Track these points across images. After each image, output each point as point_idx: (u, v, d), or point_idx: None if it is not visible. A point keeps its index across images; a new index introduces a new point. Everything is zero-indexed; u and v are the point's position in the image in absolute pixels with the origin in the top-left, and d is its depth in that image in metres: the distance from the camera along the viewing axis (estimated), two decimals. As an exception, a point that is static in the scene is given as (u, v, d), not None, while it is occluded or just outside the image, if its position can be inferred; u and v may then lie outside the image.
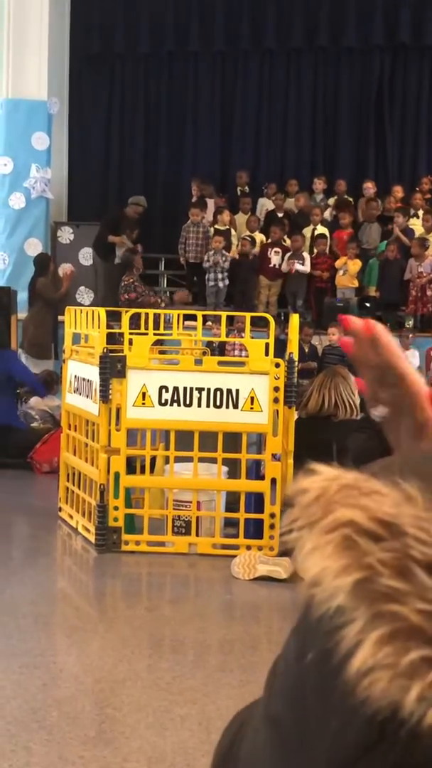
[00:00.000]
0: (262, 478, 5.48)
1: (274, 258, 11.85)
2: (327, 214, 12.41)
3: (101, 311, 5.69)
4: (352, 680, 0.53)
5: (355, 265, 11.56)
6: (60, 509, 6.12)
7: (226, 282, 11.76)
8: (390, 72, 13.42)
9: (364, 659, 0.53)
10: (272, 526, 5.25)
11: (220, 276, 11.71)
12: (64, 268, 11.15)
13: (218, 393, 5.32)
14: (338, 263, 11.66)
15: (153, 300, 10.27)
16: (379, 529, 0.55)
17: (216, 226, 12.14)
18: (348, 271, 11.54)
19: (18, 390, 8.63)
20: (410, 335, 10.78)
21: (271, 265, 11.87)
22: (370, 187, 12.45)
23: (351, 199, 12.57)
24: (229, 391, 5.31)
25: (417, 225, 11.93)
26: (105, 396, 5.35)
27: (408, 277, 11.41)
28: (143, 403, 5.35)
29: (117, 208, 12.52)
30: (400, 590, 0.53)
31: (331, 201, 12.69)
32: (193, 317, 6.50)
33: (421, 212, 11.99)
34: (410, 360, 10.65)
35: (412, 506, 0.57)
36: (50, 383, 9.22)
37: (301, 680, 0.63)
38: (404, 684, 0.52)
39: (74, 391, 6.05)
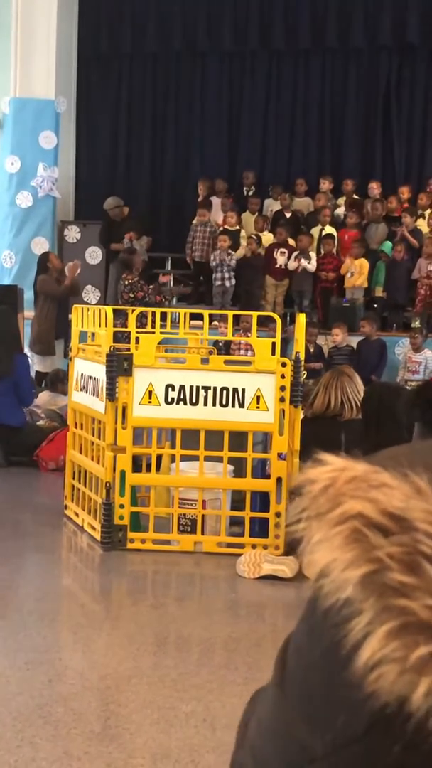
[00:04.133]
0: (268, 477, 5.48)
1: (280, 258, 11.85)
2: (340, 211, 12.40)
3: (108, 309, 5.70)
4: (359, 673, 0.54)
5: (364, 266, 11.55)
6: (66, 507, 6.13)
7: (233, 281, 11.77)
8: (397, 73, 13.41)
9: (372, 652, 0.53)
10: (278, 525, 5.26)
11: (227, 275, 11.71)
12: (71, 264, 11.15)
13: (224, 392, 5.32)
14: (343, 269, 11.64)
15: (159, 299, 10.27)
16: (389, 523, 0.55)
17: (225, 227, 12.16)
18: (356, 271, 11.53)
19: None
20: (420, 336, 10.76)
21: (278, 266, 11.87)
22: (375, 188, 12.45)
23: (361, 199, 12.57)
24: (235, 390, 5.31)
25: (423, 226, 11.93)
26: (111, 394, 5.36)
27: (416, 276, 11.40)
28: (149, 402, 5.36)
29: (103, 219, 12.50)
30: (410, 585, 0.53)
31: (341, 201, 12.69)
32: (200, 316, 6.51)
33: (427, 213, 11.99)
34: (424, 361, 10.64)
35: (422, 500, 0.57)
36: (55, 382, 9.23)
37: (308, 671, 0.63)
38: (413, 679, 0.52)
39: (81, 389, 6.06)
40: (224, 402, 5.32)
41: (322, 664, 0.61)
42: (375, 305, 11.81)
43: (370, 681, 0.53)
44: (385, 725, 0.55)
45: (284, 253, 11.85)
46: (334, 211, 12.56)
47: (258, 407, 5.30)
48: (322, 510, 0.58)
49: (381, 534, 0.55)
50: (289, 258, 11.78)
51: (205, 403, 5.33)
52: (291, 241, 11.89)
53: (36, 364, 10.60)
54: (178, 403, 5.34)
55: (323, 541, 0.57)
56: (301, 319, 5.66)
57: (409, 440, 4.87)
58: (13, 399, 7.95)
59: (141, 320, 7.69)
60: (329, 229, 12.09)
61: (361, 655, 0.53)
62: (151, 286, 10.51)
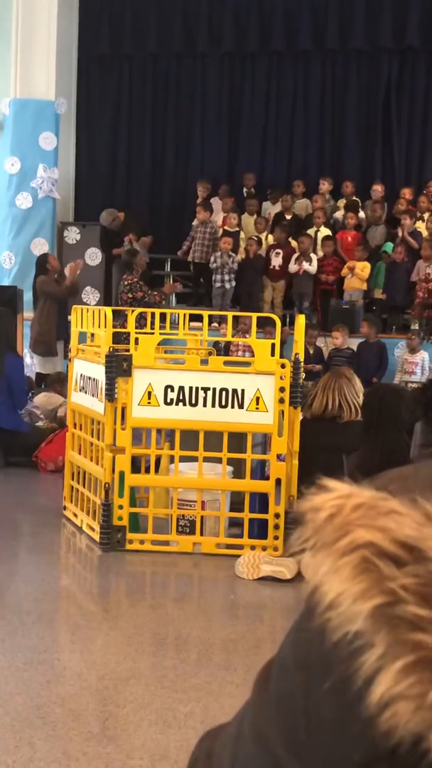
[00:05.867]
0: (267, 478, 5.48)
1: (275, 260, 11.86)
2: (339, 214, 12.40)
3: (107, 310, 5.70)
4: (372, 710, 0.52)
5: (365, 267, 11.56)
6: (65, 508, 6.13)
7: (233, 283, 11.78)
8: (398, 75, 13.41)
9: (386, 689, 0.51)
10: (276, 527, 5.26)
11: (227, 277, 11.72)
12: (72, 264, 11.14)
13: (224, 393, 5.32)
14: (344, 271, 11.65)
15: (158, 299, 10.26)
16: (402, 553, 0.53)
17: (225, 228, 12.17)
18: (357, 273, 11.54)
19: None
20: (416, 338, 10.76)
21: (272, 267, 11.88)
22: (378, 190, 12.45)
23: (359, 201, 12.58)
24: (234, 391, 5.31)
25: (422, 228, 11.93)
26: (111, 395, 5.36)
27: (415, 278, 11.40)
28: (149, 403, 5.35)
29: (101, 229, 12.52)
30: (425, 618, 0.51)
31: (341, 203, 12.69)
32: (199, 317, 6.51)
33: (426, 215, 11.99)
34: (420, 362, 10.64)
35: None
36: (54, 384, 9.23)
37: (310, 707, 0.60)
38: (429, 717, 0.50)
39: (80, 390, 6.06)
40: (223, 403, 5.32)
41: (332, 698, 0.58)
42: (374, 307, 11.81)
43: (384, 718, 0.51)
44: (397, 762, 0.53)
45: (279, 254, 11.84)
46: (332, 213, 12.56)
47: (257, 408, 5.30)
48: (329, 540, 0.55)
49: (393, 564, 0.53)
50: (286, 260, 11.78)
51: (205, 404, 5.32)
52: (293, 243, 11.89)
53: (37, 365, 10.59)
54: (177, 404, 5.34)
55: (331, 573, 0.54)
56: (301, 320, 5.66)
57: (409, 442, 4.88)
58: (8, 400, 7.92)
59: (140, 321, 7.69)
60: (326, 231, 12.09)
61: (374, 691, 0.51)
62: (155, 292, 10.50)
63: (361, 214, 12.37)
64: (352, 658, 0.53)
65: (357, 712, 0.54)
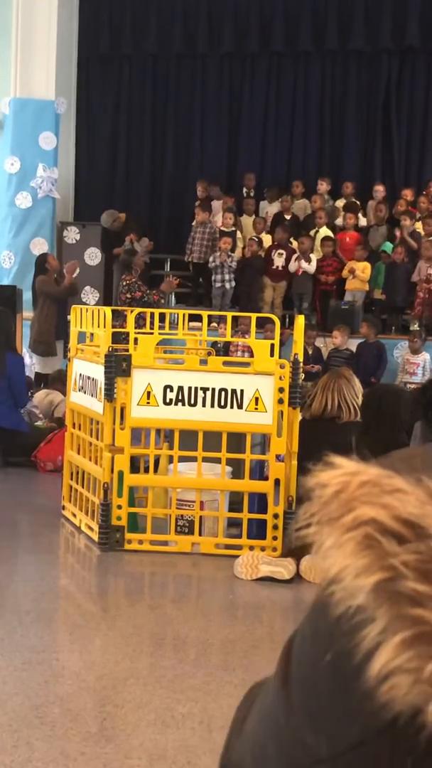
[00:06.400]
0: (266, 478, 5.48)
1: (278, 260, 11.86)
2: (340, 220, 12.40)
3: (107, 310, 5.70)
4: (372, 683, 0.52)
5: (366, 268, 11.56)
6: (63, 507, 6.12)
7: (233, 283, 11.77)
8: (398, 75, 13.41)
9: (385, 662, 0.52)
10: (275, 527, 5.26)
11: (227, 277, 11.71)
12: (69, 264, 11.14)
13: (223, 393, 5.32)
14: (345, 272, 11.65)
15: (156, 298, 10.26)
16: (404, 530, 0.54)
17: (221, 228, 12.16)
18: (358, 275, 11.54)
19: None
20: (418, 339, 10.75)
21: (275, 267, 11.88)
22: (379, 191, 12.45)
23: (358, 202, 12.58)
24: (233, 391, 5.31)
25: (421, 229, 11.93)
26: (110, 395, 5.36)
27: (416, 279, 11.40)
28: (148, 403, 5.35)
29: (102, 230, 12.54)
30: (425, 594, 0.52)
31: (340, 203, 12.69)
32: (199, 317, 6.51)
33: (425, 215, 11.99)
34: (422, 362, 10.64)
35: None
36: (55, 383, 9.22)
37: (316, 676, 0.62)
38: (427, 690, 0.51)
39: (79, 390, 6.05)
40: (222, 403, 5.32)
41: (332, 670, 0.59)
42: (373, 308, 11.81)
43: (382, 691, 0.52)
44: (397, 734, 0.54)
45: (282, 254, 11.85)
46: (332, 213, 12.56)
47: (256, 409, 5.30)
48: (334, 515, 0.56)
49: (395, 541, 0.54)
50: (287, 259, 11.79)
51: (204, 404, 5.32)
52: (294, 244, 11.89)
53: (36, 365, 10.59)
54: (176, 404, 5.34)
55: (335, 547, 0.55)
56: (300, 320, 5.66)
57: (407, 443, 4.87)
58: (9, 400, 7.92)
59: (140, 321, 7.69)
60: (326, 231, 12.09)
61: (374, 664, 0.52)
62: (153, 292, 10.49)
63: (362, 220, 12.36)
64: (353, 632, 0.54)
65: (356, 684, 0.55)
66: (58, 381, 9.15)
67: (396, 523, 0.54)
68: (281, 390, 5.27)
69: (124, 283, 10.57)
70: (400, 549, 0.53)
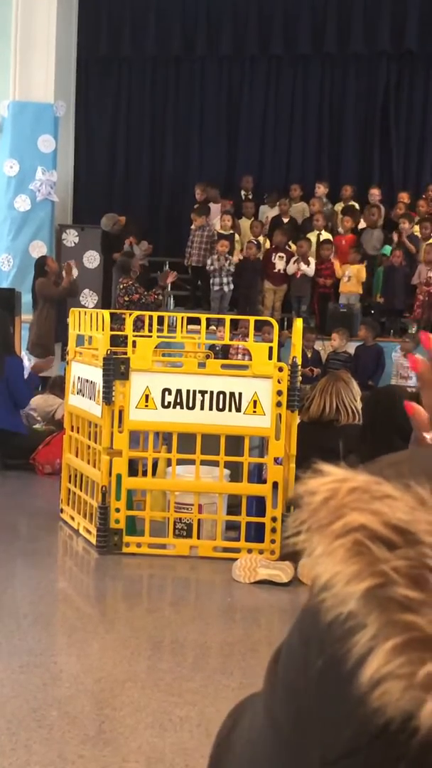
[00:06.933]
0: (264, 481, 5.48)
1: (279, 263, 11.86)
2: (339, 223, 12.41)
3: (105, 313, 5.70)
4: (364, 689, 0.52)
5: (360, 271, 11.57)
6: (62, 511, 6.12)
7: (231, 286, 11.78)
8: (396, 79, 13.45)
9: (377, 668, 0.52)
10: (273, 530, 5.26)
11: (225, 280, 11.72)
12: (66, 264, 11.14)
13: (221, 396, 5.32)
14: (338, 273, 11.67)
15: (154, 298, 10.25)
16: (393, 536, 0.54)
17: (219, 231, 12.17)
18: (353, 277, 11.55)
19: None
20: (411, 342, 10.75)
21: (276, 270, 11.88)
22: (375, 194, 12.46)
23: (356, 205, 12.60)
24: (231, 394, 5.32)
25: (418, 232, 11.95)
26: (108, 398, 5.36)
27: (416, 282, 11.40)
28: (146, 405, 5.35)
29: (102, 233, 12.55)
30: (416, 600, 0.52)
31: (338, 207, 12.71)
32: (197, 320, 6.51)
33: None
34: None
35: (426, 511, 0.55)
36: (54, 387, 9.21)
37: (307, 683, 0.62)
38: (419, 696, 0.51)
39: (77, 393, 6.06)
40: (221, 406, 5.32)
41: (324, 676, 0.59)
42: (372, 311, 11.82)
43: (374, 696, 0.52)
44: (389, 740, 0.54)
45: (282, 257, 11.86)
46: (330, 216, 12.57)
47: (255, 412, 5.30)
48: (323, 522, 0.56)
49: (385, 547, 0.54)
50: (287, 262, 11.79)
51: (202, 407, 5.33)
52: (293, 247, 11.90)
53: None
54: (174, 407, 5.34)
55: (325, 555, 0.55)
56: (299, 323, 5.66)
57: (405, 445, 4.87)
58: (7, 402, 7.91)
59: (138, 324, 7.69)
60: (325, 235, 12.10)
61: (366, 670, 0.52)
62: (151, 293, 10.48)
63: (362, 223, 12.37)
64: (345, 638, 0.54)
65: (348, 690, 0.55)
66: (56, 387, 9.13)
67: (386, 530, 0.54)
68: (280, 393, 5.28)
69: (122, 286, 10.57)
70: (390, 555, 0.53)
